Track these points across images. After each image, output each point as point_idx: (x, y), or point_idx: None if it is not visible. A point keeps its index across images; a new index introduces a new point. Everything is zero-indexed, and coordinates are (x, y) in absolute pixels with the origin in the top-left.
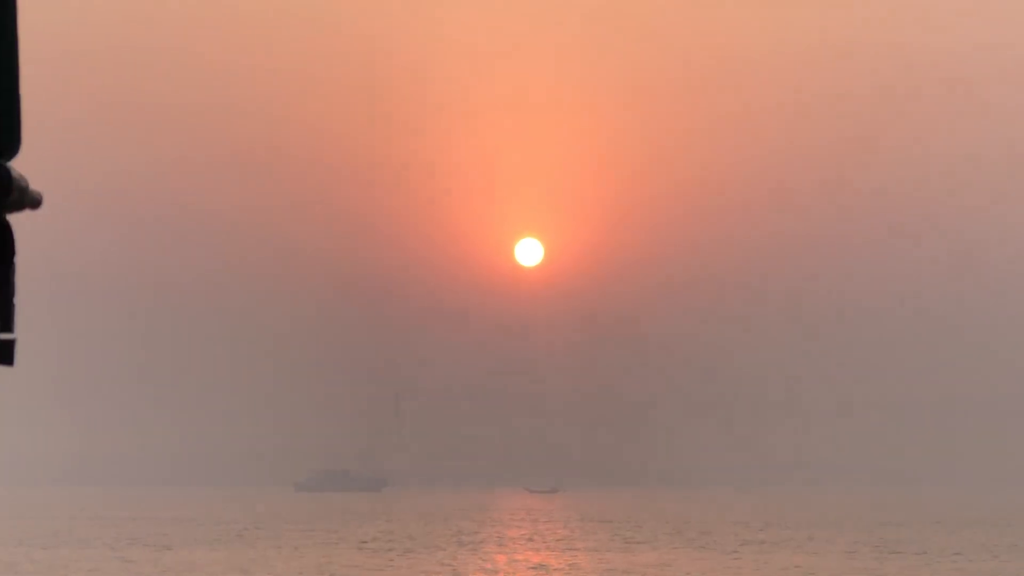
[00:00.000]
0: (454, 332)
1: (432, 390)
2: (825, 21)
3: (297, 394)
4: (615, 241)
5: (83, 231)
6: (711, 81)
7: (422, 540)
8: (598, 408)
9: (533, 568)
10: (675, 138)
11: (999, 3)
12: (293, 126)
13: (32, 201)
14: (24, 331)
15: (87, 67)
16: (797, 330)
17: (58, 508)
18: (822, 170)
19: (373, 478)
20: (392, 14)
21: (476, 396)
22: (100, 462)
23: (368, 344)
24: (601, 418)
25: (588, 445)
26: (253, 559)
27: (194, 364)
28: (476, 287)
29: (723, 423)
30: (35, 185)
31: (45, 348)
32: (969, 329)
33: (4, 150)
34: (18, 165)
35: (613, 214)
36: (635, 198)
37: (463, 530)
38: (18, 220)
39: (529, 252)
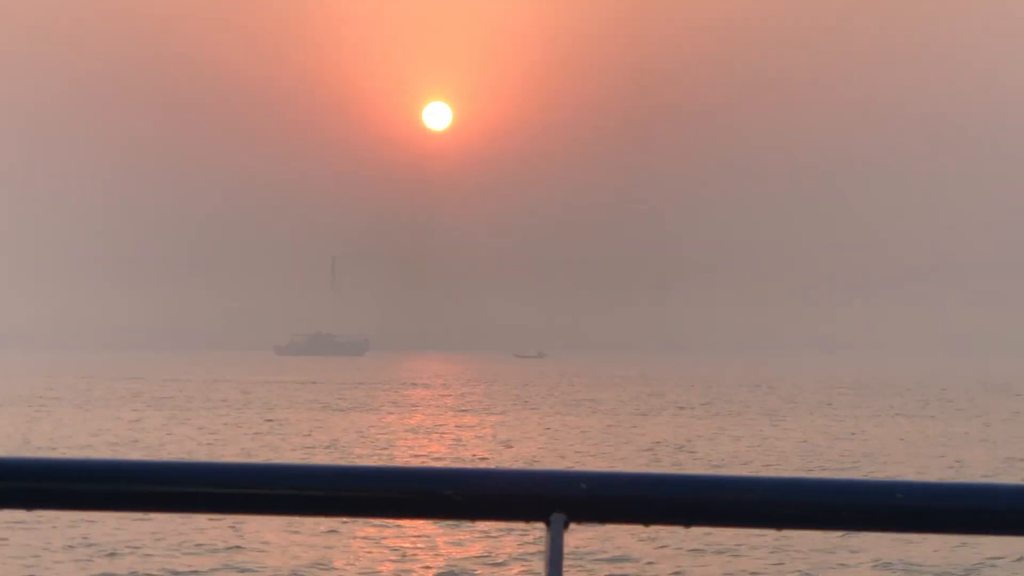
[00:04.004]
0: (372, 196)
1: (370, 255)
2: None
3: (240, 263)
4: (534, 110)
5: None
6: None
7: (433, 403)
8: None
9: (548, 428)
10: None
11: None
12: None
13: None
14: None
15: None
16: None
17: (43, 371)
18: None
19: (355, 342)
20: None
21: (416, 261)
22: (78, 329)
23: (297, 210)
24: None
25: (544, 311)
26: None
27: (150, 235)
28: (383, 150)
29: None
30: None
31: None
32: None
33: None
34: None
35: (532, 81)
36: (562, 66)
37: (476, 392)
38: None
39: (437, 116)
